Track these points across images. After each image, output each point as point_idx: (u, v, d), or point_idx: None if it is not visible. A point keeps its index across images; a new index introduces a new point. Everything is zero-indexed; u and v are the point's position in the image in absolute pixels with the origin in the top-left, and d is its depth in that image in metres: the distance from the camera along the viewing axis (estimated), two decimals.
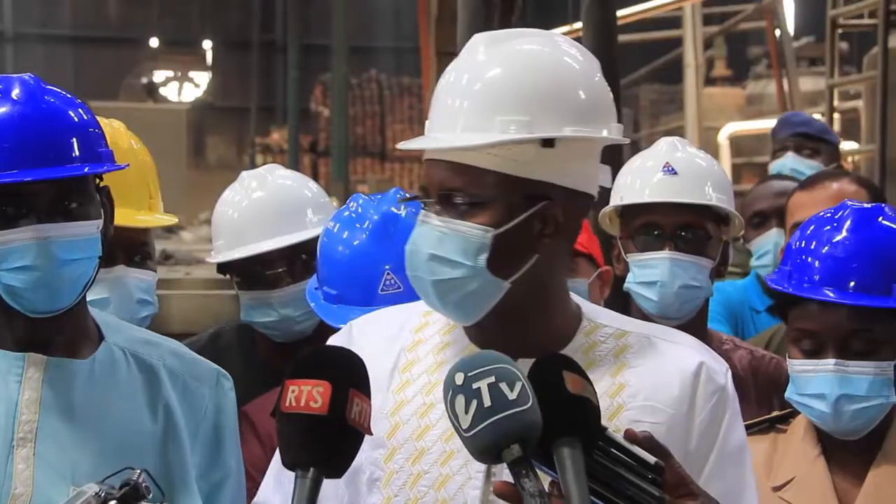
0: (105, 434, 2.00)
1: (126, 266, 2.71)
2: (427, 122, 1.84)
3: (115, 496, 1.68)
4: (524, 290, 1.79)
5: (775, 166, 4.53)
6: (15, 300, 1.99)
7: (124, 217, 2.64)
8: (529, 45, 1.81)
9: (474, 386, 1.52)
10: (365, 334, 1.90)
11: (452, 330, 1.87)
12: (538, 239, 1.78)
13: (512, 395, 1.51)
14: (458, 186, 1.75)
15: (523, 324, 1.81)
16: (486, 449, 1.52)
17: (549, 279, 1.83)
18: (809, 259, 2.27)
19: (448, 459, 1.78)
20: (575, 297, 1.89)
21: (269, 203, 3.12)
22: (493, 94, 1.76)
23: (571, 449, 1.53)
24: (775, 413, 2.44)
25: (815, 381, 2.22)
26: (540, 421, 1.52)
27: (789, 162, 4.47)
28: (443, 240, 1.76)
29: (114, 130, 2.78)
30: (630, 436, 1.61)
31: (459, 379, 1.53)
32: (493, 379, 1.52)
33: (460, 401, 1.52)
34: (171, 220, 2.87)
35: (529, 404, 1.52)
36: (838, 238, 2.26)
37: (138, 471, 1.69)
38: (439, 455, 1.78)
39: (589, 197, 1.83)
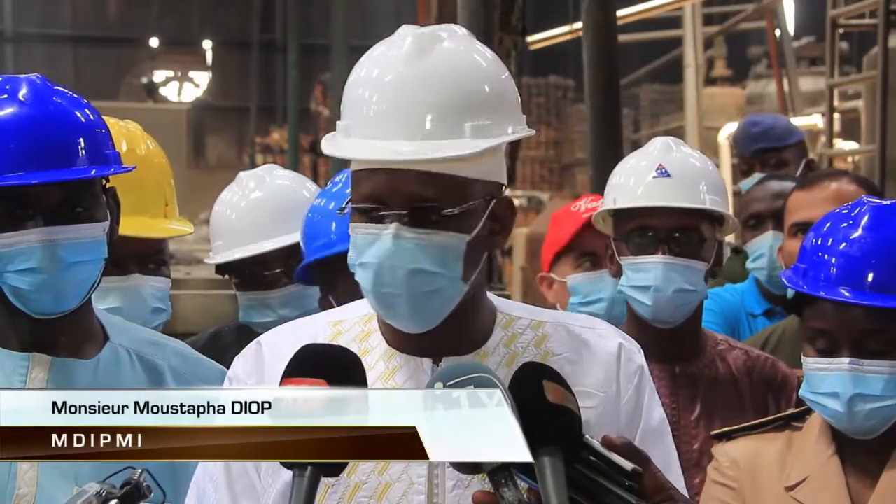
0: None
1: (141, 274, 2.69)
2: (358, 126, 1.76)
3: (116, 495, 1.68)
4: (470, 289, 1.80)
5: (744, 185, 4.51)
6: (20, 301, 2.00)
7: (142, 227, 2.64)
8: (459, 44, 1.79)
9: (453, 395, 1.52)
10: (274, 350, 1.85)
11: (369, 336, 1.86)
12: (490, 238, 1.80)
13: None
14: (434, 197, 1.73)
15: (451, 323, 1.79)
16: None
17: (482, 277, 1.84)
18: (826, 257, 2.23)
19: (385, 468, 1.77)
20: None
21: (267, 203, 3.12)
22: (457, 100, 1.74)
23: (552, 458, 1.52)
24: (791, 410, 2.42)
25: (830, 379, 2.19)
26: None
27: (757, 180, 4.44)
28: (422, 252, 1.73)
29: (130, 133, 2.76)
30: (607, 442, 1.61)
31: (438, 388, 1.53)
32: (471, 388, 1.52)
33: None
34: (187, 229, 2.86)
35: None
36: (855, 235, 2.22)
37: (139, 470, 1.70)
38: (376, 463, 1.76)
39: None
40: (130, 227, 2.58)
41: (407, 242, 1.73)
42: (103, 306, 2.50)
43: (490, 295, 1.90)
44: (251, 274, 3.12)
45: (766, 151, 4.69)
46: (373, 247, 1.74)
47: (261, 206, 3.12)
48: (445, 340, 1.80)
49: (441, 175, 1.73)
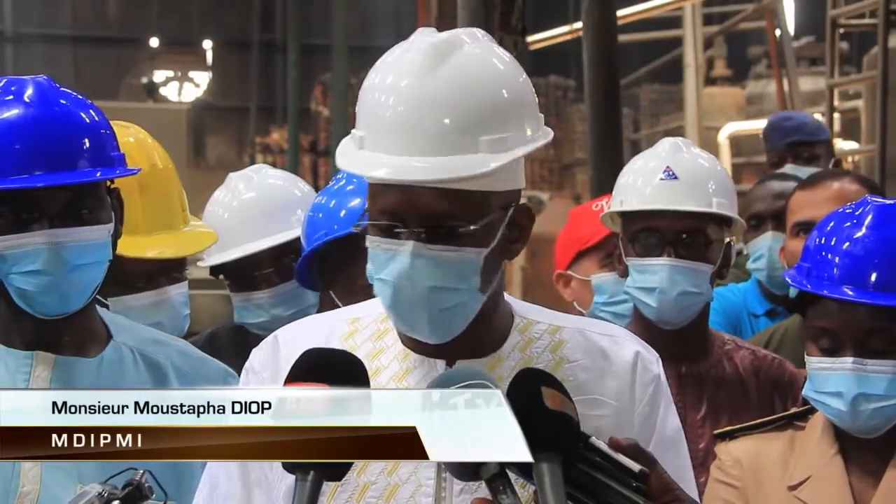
0: None
1: (169, 285, 2.68)
2: (373, 139, 1.73)
3: (118, 496, 1.68)
4: (488, 297, 1.79)
5: None
6: (25, 303, 2.01)
7: (183, 243, 2.66)
8: (476, 50, 1.76)
9: (451, 402, 1.52)
10: (291, 344, 1.84)
11: (384, 335, 1.85)
12: (508, 246, 1.79)
13: None
14: (451, 213, 1.71)
15: (471, 328, 1.79)
16: (463, 465, 1.52)
17: (500, 282, 1.82)
18: (829, 256, 2.23)
19: (395, 469, 1.77)
20: (505, 295, 1.88)
21: (256, 204, 3.12)
22: (473, 115, 1.71)
23: (550, 465, 1.52)
24: (793, 409, 2.42)
25: (833, 379, 2.19)
26: None
27: (789, 173, 4.46)
28: (440, 269, 1.72)
29: (140, 143, 2.71)
30: (614, 443, 1.61)
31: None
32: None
33: None
34: (213, 234, 2.84)
35: None
36: (858, 235, 2.22)
37: (141, 471, 1.70)
38: (385, 464, 1.76)
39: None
40: (172, 245, 2.63)
41: (425, 260, 1.71)
42: (147, 322, 2.50)
43: (509, 298, 1.89)
44: (243, 275, 3.12)
45: (799, 145, 4.72)
46: (391, 263, 1.73)
47: (251, 206, 3.12)
48: (461, 343, 1.79)
49: (457, 191, 1.71)
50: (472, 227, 1.72)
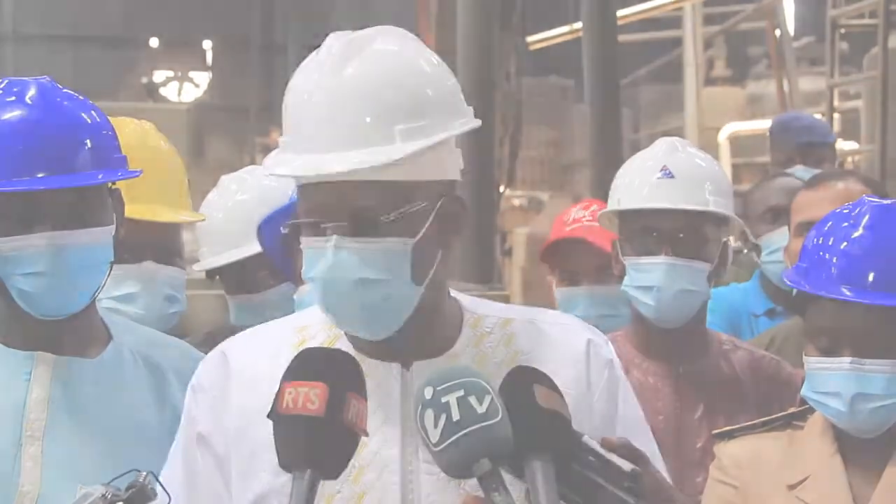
0: (112, 433, 2.02)
1: (155, 262, 2.67)
2: (294, 141, 1.75)
3: (121, 497, 1.68)
4: (429, 291, 1.78)
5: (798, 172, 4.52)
6: (27, 304, 2.01)
7: (154, 213, 2.64)
8: (389, 44, 1.78)
9: (443, 400, 1.51)
10: (241, 359, 1.84)
11: (335, 341, 1.83)
12: (442, 237, 1.78)
13: (481, 409, 1.51)
14: (371, 205, 1.71)
15: (416, 326, 1.78)
16: (455, 463, 1.51)
17: (444, 276, 1.82)
18: (827, 255, 2.22)
19: (360, 476, 1.76)
20: (452, 291, 1.88)
21: (250, 206, 3.10)
22: (384, 105, 1.72)
23: (542, 463, 1.52)
24: (792, 409, 2.42)
25: (831, 378, 2.19)
26: (510, 435, 1.52)
27: (799, 174, 4.46)
28: (366, 261, 1.71)
29: (144, 131, 2.77)
30: (607, 443, 1.61)
31: (428, 393, 1.53)
32: (461, 392, 1.51)
33: (429, 415, 1.52)
34: (199, 216, 2.85)
35: (499, 418, 1.51)
36: (856, 234, 2.22)
37: (144, 472, 1.70)
38: (349, 472, 1.71)
39: (457, 183, 1.83)
40: (145, 212, 2.59)
41: (348, 253, 1.71)
42: (119, 293, 2.52)
43: (456, 294, 1.88)
44: (238, 277, 3.11)
45: (809, 146, 4.73)
46: (319, 260, 1.73)
47: (245, 208, 3.09)
48: (413, 344, 1.79)
49: (377, 182, 1.71)
50: (391, 217, 1.71)
